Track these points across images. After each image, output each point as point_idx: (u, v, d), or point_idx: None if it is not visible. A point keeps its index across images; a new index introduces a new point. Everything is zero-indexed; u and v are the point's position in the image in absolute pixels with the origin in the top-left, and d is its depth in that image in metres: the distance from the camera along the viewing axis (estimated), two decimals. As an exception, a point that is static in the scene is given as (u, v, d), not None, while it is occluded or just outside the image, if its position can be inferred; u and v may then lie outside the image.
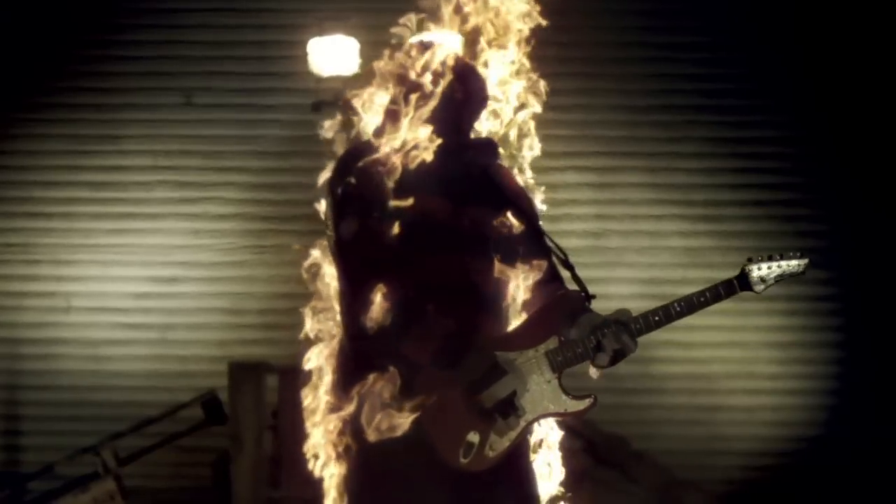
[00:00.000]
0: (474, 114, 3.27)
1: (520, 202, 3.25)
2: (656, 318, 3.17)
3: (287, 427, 6.38)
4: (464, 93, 3.18)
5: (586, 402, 3.07)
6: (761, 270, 3.23)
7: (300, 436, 6.45)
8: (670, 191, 7.43)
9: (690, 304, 3.21)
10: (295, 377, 6.47)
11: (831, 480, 7.17)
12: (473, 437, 2.98)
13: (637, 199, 7.41)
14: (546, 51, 6.81)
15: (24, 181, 7.41)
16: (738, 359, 7.38)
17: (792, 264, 3.23)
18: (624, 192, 7.38)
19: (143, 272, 7.39)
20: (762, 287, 3.24)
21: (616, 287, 7.14)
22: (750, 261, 3.22)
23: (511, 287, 3.14)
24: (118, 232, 7.38)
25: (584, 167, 7.32)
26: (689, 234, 7.43)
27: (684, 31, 7.49)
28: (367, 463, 3.08)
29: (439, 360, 2.96)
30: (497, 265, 3.12)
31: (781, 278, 3.24)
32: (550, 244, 3.24)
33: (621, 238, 7.33)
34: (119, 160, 7.43)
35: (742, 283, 3.24)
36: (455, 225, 3.10)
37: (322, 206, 3.25)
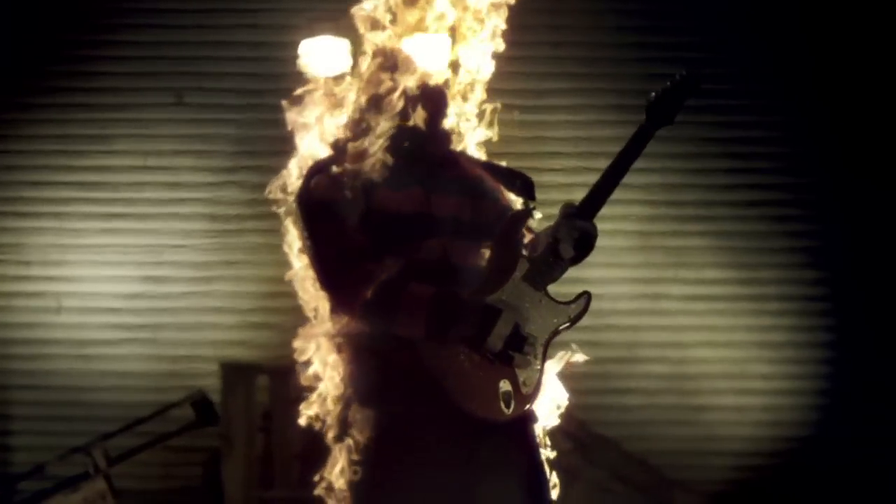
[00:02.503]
0: (437, 126, 3.33)
1: (484, 173, 3.31)
2: (600, 193, 3.17)
3: (278, 427, 6.39)
4: (431, 114, 3.25)
5: (583, 301, 3.10)
6: (661, 102, 3.27)
7: (291, 436, 6.47)
8: (662, 191, 7.44)
9: (622, 165, 3.21)
10: (286, 378, 6.50)
11: (823, 480, 7.18)
12: (505, 385, 3.00)
13: (628, 199, 7.41)
14: (537, 51, 6.87)
15: (15, 181, 7.39)
16: (728, 359, 7.38)
17: (681, 81, 3.35)
18: (615, 192, 7.37)
19: (134, 272, 7.38)
20: (670, 112, 3.32)
21: (608, 287, 7.15)
22: (648, 100, 3.26)
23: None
24: (109, 232, 7.37)
25: (574, 168, 7.32)
26: (681, 234, 7.43)
27: (676, 32, 7.49)
28: (382, 451, 3.08)
29: (433, 327, 2.97)
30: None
31: (682, 97, 3.28)
32: (508, 176, 3.30)
33: (612, 238, 7.33)
34: (110, 160, 7.42)
35: (652, 121, 3.27)
36: (430, 212, 3.14)
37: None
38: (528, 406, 3.04)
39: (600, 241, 7.46)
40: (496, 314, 2.99)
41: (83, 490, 6.38)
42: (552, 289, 3.10)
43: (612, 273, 7.25)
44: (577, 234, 3.06)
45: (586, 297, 3.11)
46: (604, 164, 7.80)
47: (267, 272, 7.04)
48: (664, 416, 7.35)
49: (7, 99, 7.38)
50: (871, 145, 7.38)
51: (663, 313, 7.39)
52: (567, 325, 3.09)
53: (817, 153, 7.45)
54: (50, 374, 7.33)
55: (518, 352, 2.99)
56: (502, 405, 3.00)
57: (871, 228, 7.35)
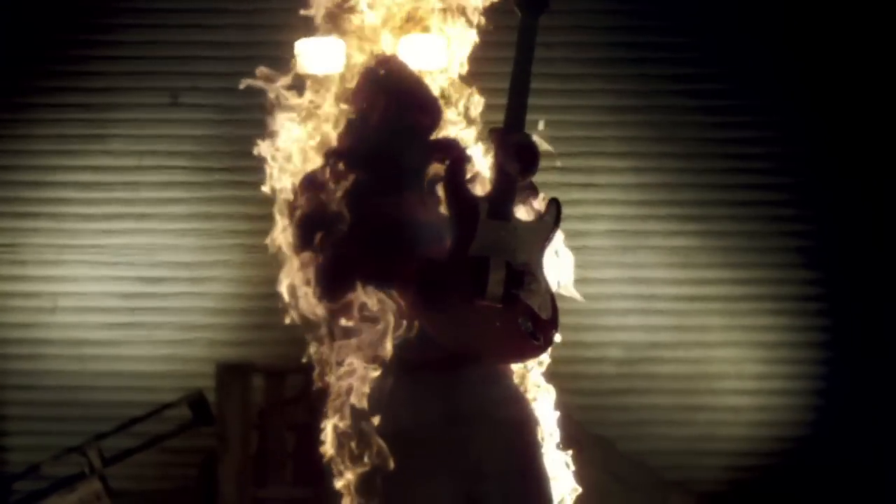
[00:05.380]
0: (431, 132, 3.33)
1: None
2: (516, 103, 3.10)
3: (273, 427, 6.39)
4: (427, 121, 3.25)
5: (553, 208, 3.11)
6: None
7: (286, 435, 6.46)
8: (657, 191, 7.44)
9: (523, 68, 3.10)
10: (281, 378, 6.51)
11: (818, 480, 7.18)
12: (526, 323, 2.99)
13: (623, 199, 7.42)
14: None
15: (11, 181, 7.39)
16: (724, 359, 7.38)
17: None
18: (610, 192, 7.39)
19: (130, 272, 7.37)
20: None
21: (602, 287, 7.15)
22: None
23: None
24: (105, 232, 7.37)
25: (569, 168, 7.32)
26: (676, 234, 7.43)
27: (671, 32, 7.49)
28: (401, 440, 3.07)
29: (431, 302, 2.97)
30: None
31: None
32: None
33: (607, 238, 7.34)
34: (105, 160, 7.41)
35: (529, 13, 3.15)
36: (427, 217, 3.14)
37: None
38: (555, 331, 3.04)
39: (595, 242, 7.48)
40: (485, 263, 2.98)
41: (79, 490, 6.39)
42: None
43: (607, 273, 7.26)
44: (512, 148, 3.04)
45: (554, 202, 3.11)
46: (600, 163, 7.84)
47: (262, 272, 7.04)
48: (660, 416, 7.35)
49: (3, 99, 7.38)
50: (865, 146, 7.38)
51: (658, 313, 7.39)
52: (551, 235, 3.09)
53: (812, 153, 7.45)
54: (45, 373, 7.33)
55: (520, 288, 2.99)
56: (533, 342, 3.01)
57: (866, 229, 7.36)
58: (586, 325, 7.07)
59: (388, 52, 3.52)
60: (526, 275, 3.00)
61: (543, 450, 3.29)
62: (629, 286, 7.36)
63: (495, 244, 3.00)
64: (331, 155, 3.28)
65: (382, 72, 3.29)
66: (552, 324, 3.03)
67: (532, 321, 2.99)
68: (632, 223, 7.41)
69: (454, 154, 3.21)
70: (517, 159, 3.03)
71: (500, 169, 3.04)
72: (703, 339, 7.39)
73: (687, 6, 7.41)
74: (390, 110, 3.22)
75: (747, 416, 7.36)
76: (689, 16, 7.44)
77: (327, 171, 3.19)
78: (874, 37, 7.39)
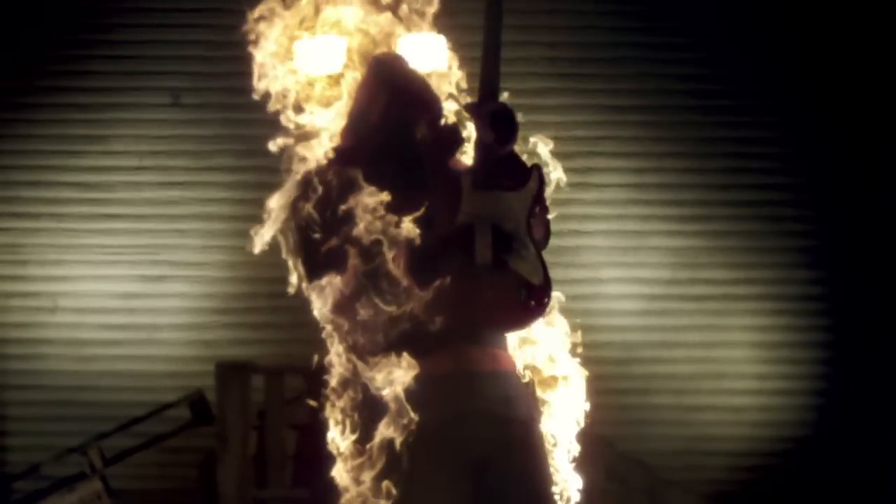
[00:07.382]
0: (432, 130, 3.33)
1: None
2: (489, 75, 3.08)
3: (273, 427, 6.39)
4: (428, 119, 3.25)
5: (535, 174, 3.13)
6: None
7: (286, 436, 6.46)
8: (657, 191, 7.45)
9: (493, 40, 3.07)
10: (281, 377, 6.50)
11: (818, 480, 7.19)
12: (520, 291, 3.01)
13: (624, 199, 7.43)
14: (533, 51, 6.86)
15: (11, 181, 7.40)
16: (724, 359, 7.39)
17: None
18: (611, 192, 7.40)
19: (130, 272, 7.38)
20: None
21: (603, 287, 7.15)
22: None
23: None
24: (105, 232, 7.38)
25: (570, 168, 7.30)
26: (677, 234, 7.44)
27: (672, 32, 7.50)
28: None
29: (426, 277, 2.97)
30: None
31: None
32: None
33: (608, 238, 7.34)
34: (106, 160, 7.42)
35: None
36: (428, 212, 3.14)
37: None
38: (547, 298, 3.05)
39: (595, 241, 7.48)
40: (470, 230, 2.99)
41: (79, 490, 6.39)
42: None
43: (607, 273, 7.26)
44: (487, 118, 3.05)
45: (536, 168, 3.13)
46: (599, 163, 7.85)
47: (262, 272, 7.04)
48: (660, 416, 7.35)
49: (3, 99, 7.38)
50: (866, 145, 7.39)
51: (658, 313, 7.39)
52: (538, 200, 3.11)
53: (813, 153, 7.46)
54: (46, 373, 7.33)
55: (509, 252, 3.00)
56: (528, 307, 3.02)
57: (867, 228, 7.36)
58: (586, 325, 7.06)
59: (390, 51, 3.52)
60: (514, 240, 3.02)
61: (549, 450, 3.30)
62: (629, 286, 7.37)
63: (481, 214, 3.02)
64: (332, 152, 3.28)
65: (384, 70, 3.29)
66: (545, 291, 3.05)
67: (526, 288, 3.02)
68: (632, 223, 7.42)
69: (434, 132, 3.22)
70: (492, 129, 3.05)
71: (478, 140, 3.06)
72: (704, 339, 7.40)
73: (688, 6, 7.42)
74: (392, 108, 3.22)
75: (747, 416, 7.36)
76: (691, 16, 7.45)
77: (329, 168, 3.19)
78: (875, 37, 7.40)
